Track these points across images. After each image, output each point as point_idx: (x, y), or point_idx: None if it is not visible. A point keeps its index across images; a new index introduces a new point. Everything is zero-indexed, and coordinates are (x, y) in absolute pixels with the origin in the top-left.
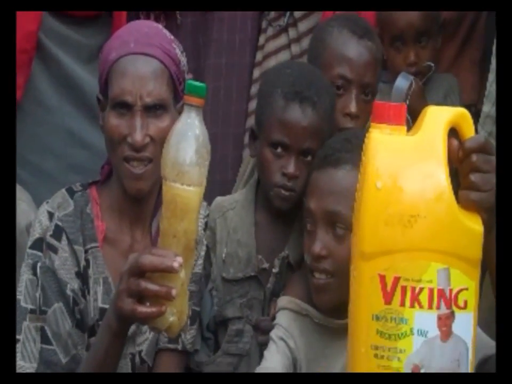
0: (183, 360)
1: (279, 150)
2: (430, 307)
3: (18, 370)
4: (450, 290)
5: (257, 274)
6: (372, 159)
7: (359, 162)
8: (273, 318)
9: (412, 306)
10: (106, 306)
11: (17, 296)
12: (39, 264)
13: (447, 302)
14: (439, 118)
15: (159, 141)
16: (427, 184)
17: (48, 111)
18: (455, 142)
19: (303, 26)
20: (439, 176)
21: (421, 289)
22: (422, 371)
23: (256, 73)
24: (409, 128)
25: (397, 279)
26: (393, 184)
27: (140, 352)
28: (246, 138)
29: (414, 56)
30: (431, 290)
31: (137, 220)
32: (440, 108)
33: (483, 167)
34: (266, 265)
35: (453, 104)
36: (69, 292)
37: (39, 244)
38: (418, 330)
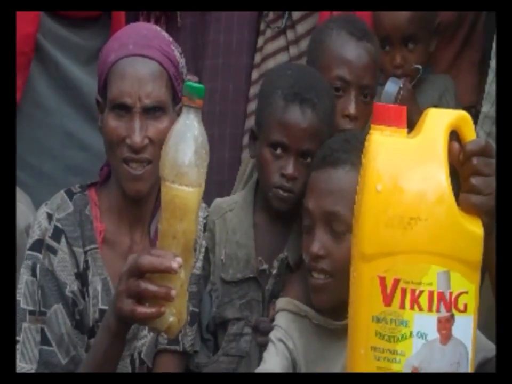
0: (183, 361)
1: (278, 150)
2: (430, 310)
3: (18, 371)
4: (450, 293)
5: (256, 276)
6: (372, 160)
7: (358, 162)
8: (273, 319)
9: (412, 308)
10: (106, 307)
11: (17, 298)
12: (38, 266)
13: (447, 305)
14: (440, 120)
15: (158, 143)
16: (427, 186)
17: (47, 113)
18: (456, 145)
19: (301, 28)
20: (439, 179)
21: (421, 292)
22: None
23: (255, 74)
24: None
25: (396, 281)
26: (394, 186)
27: (139, 353)
28: (244, 140)
29: (401, 59)
30: (431, 293)
31: (136, 221)
32: (441, 110)
33: (484, 170)
34: (265, 266)
35: (448, 105)
36: (68, 293)
37: (38, 245)
38: (418, 333)
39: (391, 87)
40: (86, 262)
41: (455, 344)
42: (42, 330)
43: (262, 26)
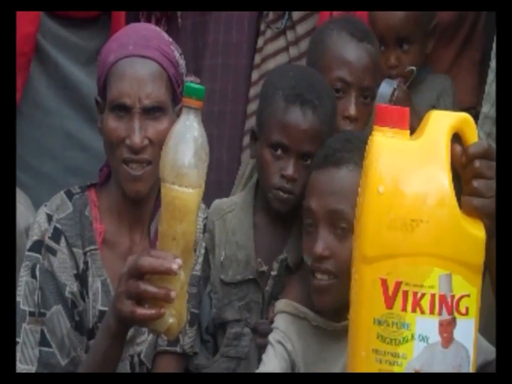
0: (182, 363)
1: (278, 151)
2: (432, 313)
3: (17, 372)
4: (452, 297)
5: (256, 277)
6: (374, 162)
7: (360, 162)
8: (272, 321)
9: (414, 311)
10: (105, 308)
11: (16, 299)
12: (38, 267)
13: (448, 308)
14: (442, 122)
15: (158, 143)
16: (429, 189)
17: (47, 114)
18: (458, 148)
19: (301, 28)
20: (441, 181)
21: (423, 295)
22: None
23: (255, 75)
24: None
25: (398, 284)
26: (396, 188)
27: (138, 354)
28: (243, 140)
29: (395, 60)
30: (432, 296)
31: (136, 222)
32: (444, 112)
33: (486, 173)
34: (265, 268)
35: (445, 105)
36: (68, 294)
37: (38, 246)
38: (419, 336)
39: (385, 88)
40: (85, 263)
41: (456, 348)
42: (41, 331)
43: (262, 26)
